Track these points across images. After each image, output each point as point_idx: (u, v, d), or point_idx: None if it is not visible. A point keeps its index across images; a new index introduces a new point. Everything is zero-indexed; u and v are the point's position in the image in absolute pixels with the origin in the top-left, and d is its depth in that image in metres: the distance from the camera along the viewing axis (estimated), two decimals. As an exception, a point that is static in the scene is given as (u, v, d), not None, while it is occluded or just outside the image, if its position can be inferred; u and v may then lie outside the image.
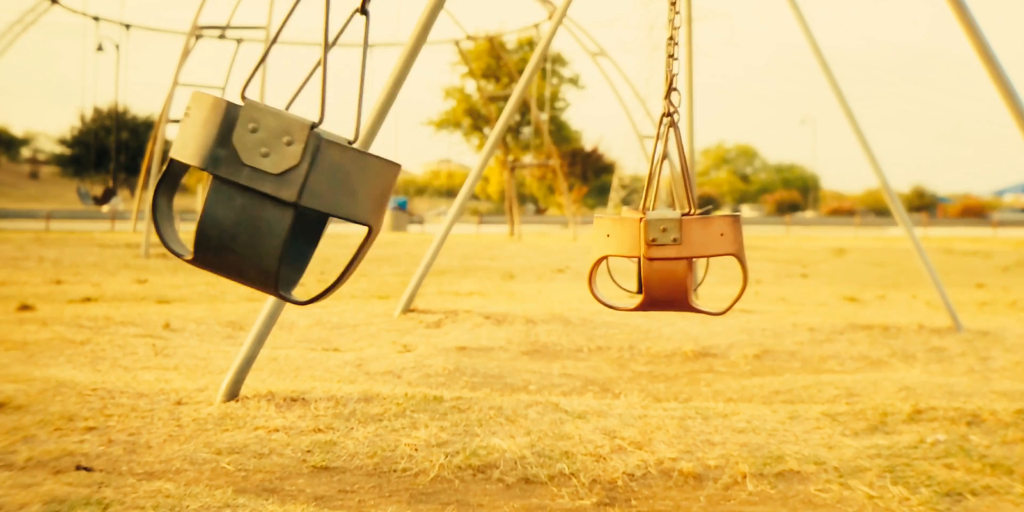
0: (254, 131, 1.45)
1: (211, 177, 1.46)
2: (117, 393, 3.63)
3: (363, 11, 1.63)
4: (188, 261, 1.50)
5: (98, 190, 22.76)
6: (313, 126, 1.45)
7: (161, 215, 1.56)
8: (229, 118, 1.45)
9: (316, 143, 1.44)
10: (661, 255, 2.28)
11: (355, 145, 1.49)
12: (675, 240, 2.27)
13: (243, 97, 1.48)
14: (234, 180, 1.44)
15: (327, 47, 1.55)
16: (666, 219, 2.27)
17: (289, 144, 1.44)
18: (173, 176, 1.56)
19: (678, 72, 2.52)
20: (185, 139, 1.48)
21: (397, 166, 1.52)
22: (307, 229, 1.64)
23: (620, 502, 2.78)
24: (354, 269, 1.57)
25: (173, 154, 1.50)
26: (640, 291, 2.41)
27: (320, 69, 1.57)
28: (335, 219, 1.53)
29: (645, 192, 2.46)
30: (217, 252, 1.46)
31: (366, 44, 1.52)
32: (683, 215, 2.30)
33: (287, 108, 1.54)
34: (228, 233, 1.44)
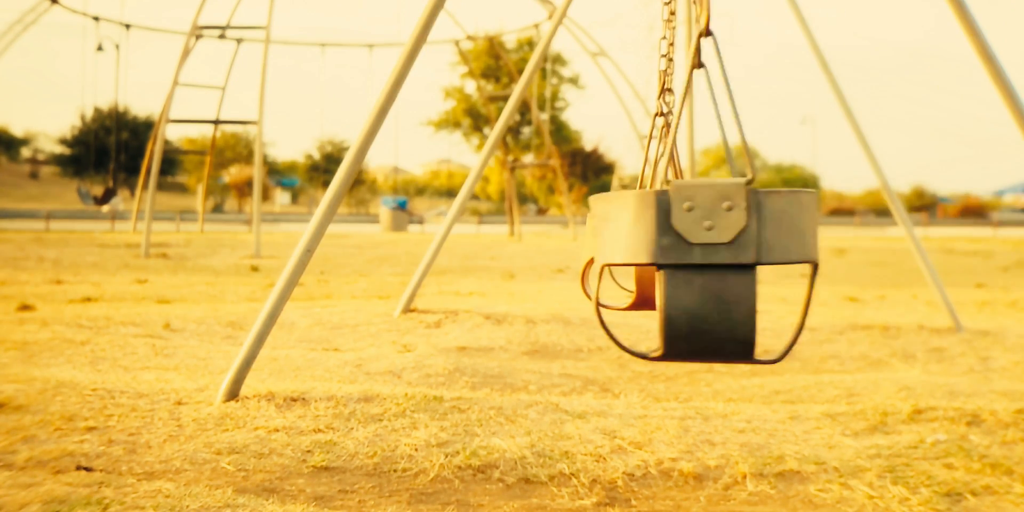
0: (690, 210, 1.44)
1: (663, 270, 1.44)
2: (117, 393, 3.63)
3: (708, 33, 1.63)
4: (655, 358, 1.51)
5: (98, 190, 22.77)
6: (748, 183, 1.44)
7: (607, 325, 1.58)
8: (663, 205, 1.45)
9: (756, 199, 1.44)
10: None
11: (753, 184, 1.48)
12: None
13: (667, 181, 1.48)
14: (688, 262, 1.44)
15: (734, 103, 1.57)
16: None
17: (730, 209, 1.43)
18: (601, 282, 1.57)
19: (672, 72, 2.51)
20: (616, 242, 1.48)
21: (816, 194, 1.52)
22: None
23: (620, 502, 2.78)
24: (807, 312, 1.57)
25: (607, 260, 1.51)
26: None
27: (733, 119, 1.58)
28: None
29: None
30: (688, 339, 1.47)
31: (723, 67, 1.51)
32: None
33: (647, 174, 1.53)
34: (697, 316, 1.45)
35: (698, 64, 1.69)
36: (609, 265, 1.51)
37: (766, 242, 1.43)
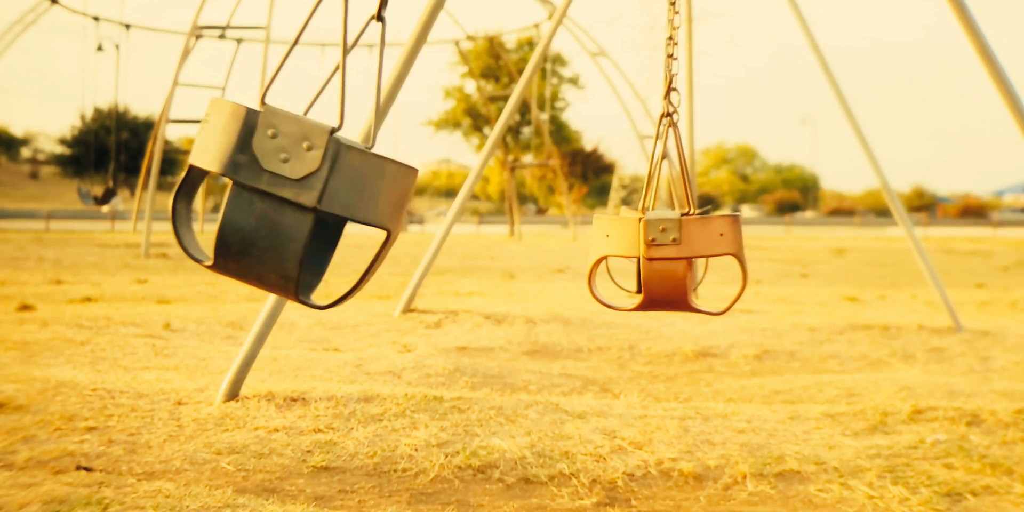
0: (274, 137, 1.46)
1: (230, 183, 1.47)
2: (117, 393, 3.63)
3: (379, 18, 1.64)
4: (208, 267, 1.51)
5: (98, 190, 22.77)
6: (333, 131, 1.45)
7: (180, 221, 1.57)
8: (249, 124, 1.46)
9: (336, 148, 1.45)
10: (660, 255, 2.28)
11: (372, 150, 1.50)
12: (674, 240, 2.27)
13: (262, 103, 1.49)
14: (254, 185, 1.45)
15: (345, 52, 1.56)
16: (665, 219, 2.27)
17: (309, 149, 1.45)
18: (192, 182, 1.57)
19: (677, 72, 2.52)
20: (204, 145, 1.49)
21: (415, 171, 1.54)
22: (325, 234, 1.65)
23: (620, 502, 2.78)
24: (373, 273, 1.58)
25: (192, 160, 1.51)
26: (640, 291, 2.41)
27: (339, 74, 1.57)
28: (353, 223, 1.53)
29: (644, 192, 2.46)
30: (237, 257, 1.47)
31: (382, 50, 1.53)
32: (682, 215, 2.30)
33: (305, 113, 1.55)
34: (248, 238, 1.46)
35: None
36: (193, 166, 1.51)
37: (332, 192, 1.45)
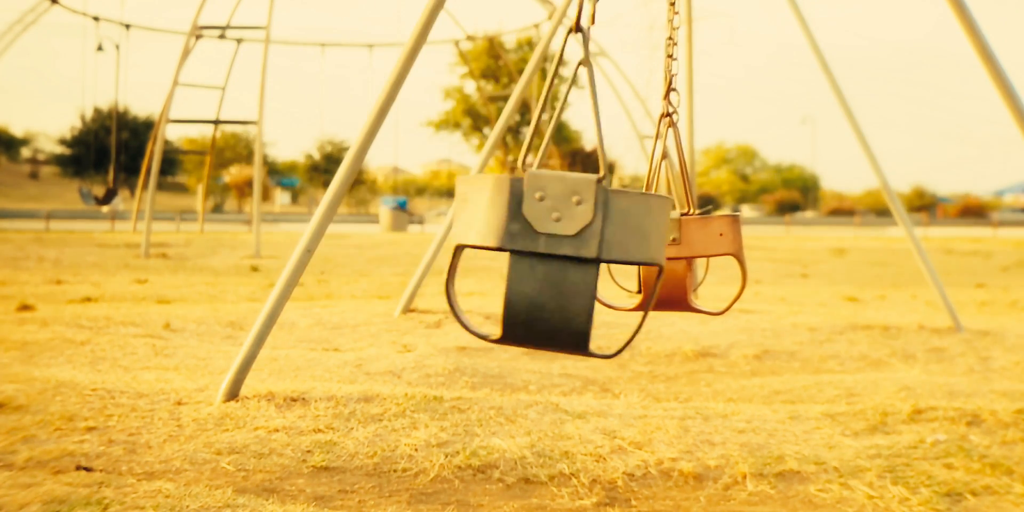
0: (542, 199, 1.47)
1: (509, 253, 1.47)
2: (117, 393, 3.63)
3: (578, 29, 1.64)
4: (494, 341, 1.52)
5: (100, 190, 22.77)
6: (599, 181, 1.46)
7: (455, 302, 1.58)
8: (516, 192, 1.47)
9: (604, 196, 1.46)
10: None
11: (604, 182, 1.51)
12: (674, 240, 2.27)
13: (523, 169, 1.50)
14: (533, 250, 1.46)
15: (595, 98, 1.58)
16: None
17: (579, 203, 1.46)
18: (457, 263, 1.58)
19: (677, 72, 2.52)
20: (470, 223, 1.50)
21: (671, 199, 1.55)
22: None
23: (620, 502, 2.78)
24: (648, 312, 1.59)
25: (460, 240, 1.52)
26: (640, 291, 2.41)
27: (592, 111, 1.59)
28: None
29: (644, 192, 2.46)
30: (526, 325, 1.48)
31: (589, 63, 1.53)
32: (682, 215, 2.30)
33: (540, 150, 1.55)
34: (536, 304, 1.46)
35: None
36: (462, 246, 1.53)
37: (609, 240, 1.46)
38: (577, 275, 1.46)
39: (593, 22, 1.65)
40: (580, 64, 1.61)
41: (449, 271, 1.57)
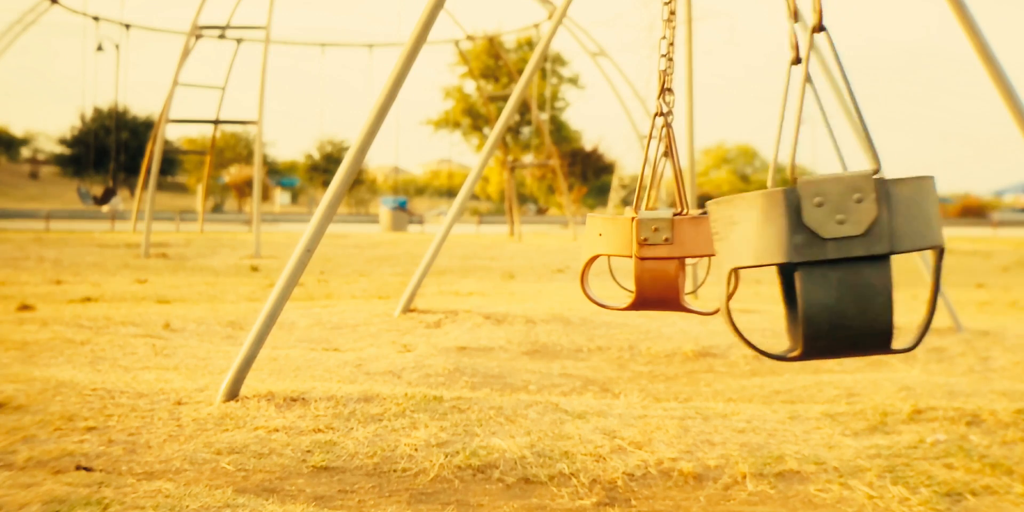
0: (820, 205, 1.44)
1: (798, 267, 1.43)
2: (117, 393, 3.63)
3: (821, 28, 1.63)
4: (794, 358, 1.49)
5: (98, 190, 22.77)
6: (875, 173, 1.44)
7: (735, 325, 1.56)
8: (791, 203, 1.45)
9: (884, 188, 1.43)
10: (652, 255, 2.28)
11: (880, 172, 1.48)
12: (666, 240, 2.27)
13: (794, 180, 1.47)
14: (824, 259, 1.43)
15: (848, 85, 1.56)
16: (658, 219, 2.27)
17: (860, 201, 1.43)
18: (738, 282, 1.55)
19: (672, 71, 2.51)
20: (745, 244, 1.48)
21: (934, 178, 1.51)
22: None
23: (620, 502, 2.78)
24: (936, 299, 1.55)
25: (736, 263, 1.49)
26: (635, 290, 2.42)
27: (853, 110, 1.57)
28: None
29: (638, 192, 2.46)
30: (829, 336, 1.45)
31: (839, 61, 1.52)
32: (675, 215, 2.30)
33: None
34: (836, 312, 1.43)
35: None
36: (740, 268, 1.50)
37: (898, 231, 1.43)
38: (872, 273, 1.43)
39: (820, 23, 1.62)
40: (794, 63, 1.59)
41: (728, 295, 1.53)
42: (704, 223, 2.27)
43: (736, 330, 1.53)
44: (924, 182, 1.46)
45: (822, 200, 1.44)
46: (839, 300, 1.43)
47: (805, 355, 1.47)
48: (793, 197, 1.45)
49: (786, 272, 1.59)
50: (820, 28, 1.62)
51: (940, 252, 1.51)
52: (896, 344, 1.50)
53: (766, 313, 7.37)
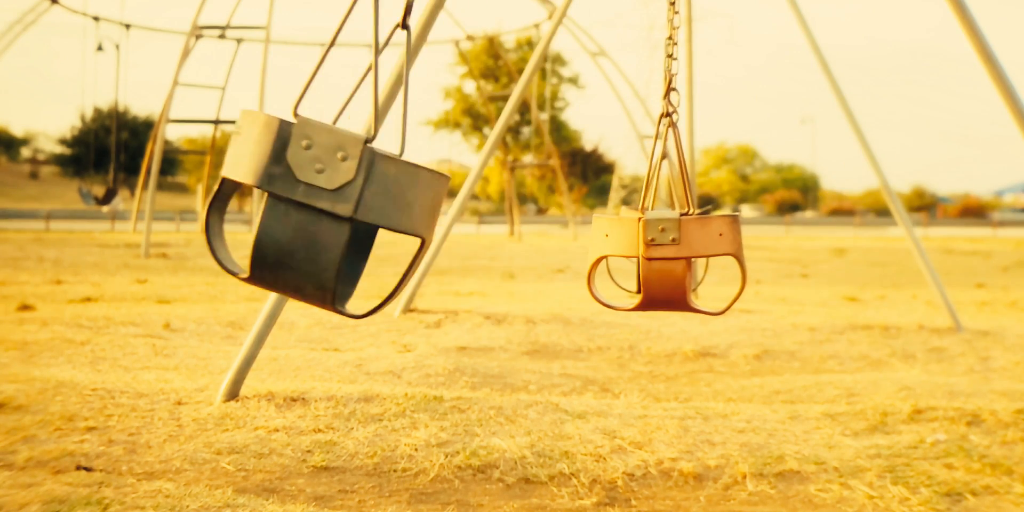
0: (308, 148, 1.46)
1: (265, 194, 1.47)
2: (117, 393, 3.63)
3: (404, 26, 1.64)
4: (243, 279, 1.51)
5: (100, 190, 22.77)
6: (367, 141, 1.46)
7: (213, 234, 1.57)
8: (282, 136, 1.46)
9: (370, 157, 1.45)
10: (659, 255, 2.28)
11: (372, 142, 1.50)
12: (673, 240, 2.27)
13: (295, 114, 1.49)
14: (290, 197, 1.45)
15: (377, 57, 1.57)
16: (664, 219, 2.27)
17: (344, 159, 1.45)
18: (224, 195, 1.57)
19: (677, 72, 2.51)
20: (237, 157, 1.49)
21: (447, 178, 1.54)
22: (357, 243, 1.65)
23: (620, 502, 2.78)
24: (408, 281, 1.59)
25: (225, 173, 1.51)
26: (639, 291, 2.41)
27: (368, 82, 1.58)
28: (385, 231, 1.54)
29: (644, 192, 2.46)
30: (274, 269, 1.48)
31: (408, 58, 1.55)
32: (682, 215, 2.30)
33: (335, 122, 1.55)
34: (285, 249, 1.46)
35: None
36: (227, 179, 1.51)
37: (367, 202, 1.45)
38: (329, 230, 1.45)
39: None
40: None
41: (212, 198, 1.55)
42: (711, 223, 2.27)
43: (210, 246, 1.56)
44: (419, 171, 1.49)
45: (310, 144, 1.46)
46: (291, 241, 1.46)
47: (252, 279, 1.49)
48: (287, 130, 1.46)
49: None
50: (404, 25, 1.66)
51: (422, 242, 1.54)
52: (348, 307, 1.55)
53: (766, 313, 7.38)
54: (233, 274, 1.53)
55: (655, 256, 2.28)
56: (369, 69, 1.59)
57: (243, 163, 1.47)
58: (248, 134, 1.48)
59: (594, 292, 2.43)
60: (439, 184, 1.52)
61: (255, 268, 1.47)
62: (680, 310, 2.41)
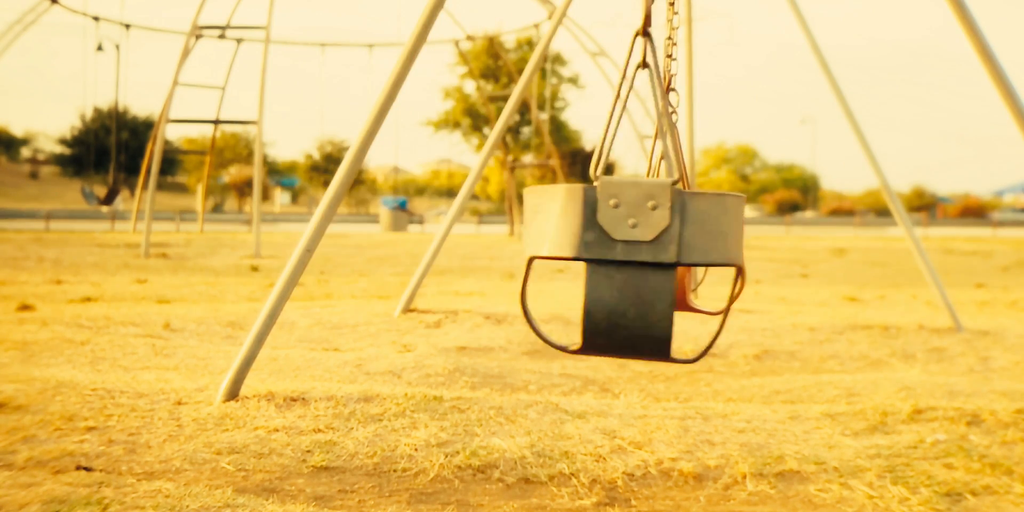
0: (616, 206, 1.45)
1: (585, 263, 1.45)
2: (117, 393, 3.63)
3: (645, 34, 1.64)
4: (574, 352, 1.51)
5: (102, 190, 22.78)
6: (674, 183, 1.45)
7: (530, 313, 1.57)
8: (589, 201, 1.46)
9: (681, 200, 1.45)
10: None
11: (679, 184, 1.49)
12: None
13: (595, 177, 1.48)
14: (610, 258, 1.44)
15: (665, 110, 1.56)
16: None
17: (655, 208, 1.44)
18: (530, 272, 1.56)
19: (676, 72, 2.51)
20: (541, 234, 1.48)
21: (744, 197, 1.53)
22: None
23: (620, 502, 2.78)
24: (729, 313, 1.58)
25: (532, 252, 1.50)
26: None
27: (658, 125, 1.58)
28: None
29: None
30: (607, 334, 1.47)
31: (658, 68, 1.53)
32: None
33: (597, 167, 1.53)
34: (616, 312, 1.45)
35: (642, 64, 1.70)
36: (536, 258, 1.52)
37: (688, 243, 1.44)
38: (657, 280, 1.44)
39: None
40: None
41: (523, 282, 1.54)
42: None
43: (529, 320, 1.56)
44: (725, 199, 1.48)
45: (618, 202, 1.45)
46: (620, 301, 1.45)
47: (584, 349, 1.49)
48: (592, 195, 1.46)
49: None
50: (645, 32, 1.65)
51: (739, 270, 1.53)
52: (680, 355, 1.54)
53: (766, 313, 7.38)
54: (563, 349, 1.53)
55: None
56: (615, 101, 1.58)
57: (551, 238, 1.47)
58: (548, 209, 1.47)
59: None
60: (740, 206, 1.51)
61: (589, 337, 1.47)
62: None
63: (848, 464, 3.04)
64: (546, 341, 1.54)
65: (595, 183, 1.48)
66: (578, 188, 1.46)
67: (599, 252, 1.44)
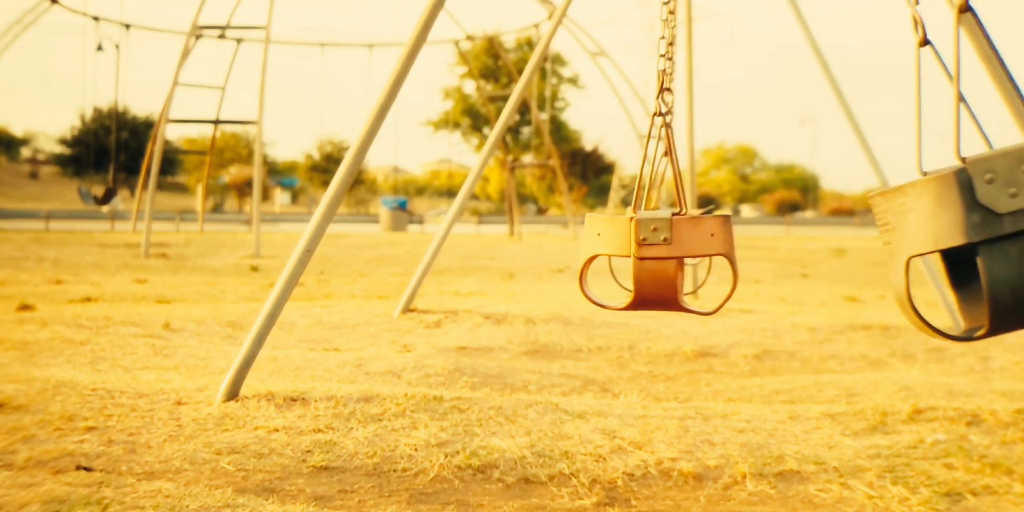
0: (991, 181, 1.44)
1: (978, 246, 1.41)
2: (117, 393, 3.63)
3: (967, 9, 1.62)
4: (981, 337, 1.47)
5: (99, 190, 22.78)
6: None
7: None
8: (964, 183, 1.44)
9: None
10: (651, 254, 2.27)
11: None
12: (665, 240, 2.27)
13: (959, 158, 1.47)
14: (999, 234, 1.42)
15: (958, 77, 1.57)
16: (656, 218, 2.27)
17: None
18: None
19: (671, 71, 2.51)
20: (921, 231, 1.46)
21: None
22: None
23: (620, 502, 2.78)
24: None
25: (913, 251, 1.47)
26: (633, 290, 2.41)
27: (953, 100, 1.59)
28: None
29: (636, 192, 2.45)
30: (1014, 310, 1.43)
31: (990, 40, 1.51)
32: (674, 215, 2.30)
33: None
34: (1020, 286, 1.42)
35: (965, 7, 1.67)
36: (917, 255, 1.49)
37: None
38: None
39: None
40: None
41: (906, 286, 1.50)
42: (703, 223, 2.27)
43: (920, 318, 1.51)
44: None
45: (992, 176, 1.44)
46: (1021, 274, 1.42)
47: (992, 332, 1.46)
48: (964, 177, 1.45)
49: (948, 257, 1.57)
50: (966, 8, 1.63)
51: None
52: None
53: (766, 313, 7.38)
54: (967, 340, 1.48)
55: (646, 256, 2.28)
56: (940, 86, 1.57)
57: (932, 232, 1.44)
58: (923, 204, 1.45)
59: (585, 291, 2.44)
60: None
61: (996, 319, 1.43)
62: (672, 310, 2.41)
63: (848, 464, 3.04)
64: (947, 336, 1.49)
65: (961, 165, 1.45)
66: (948, 175, 1.44)
67: (990, 231, 1.42)
